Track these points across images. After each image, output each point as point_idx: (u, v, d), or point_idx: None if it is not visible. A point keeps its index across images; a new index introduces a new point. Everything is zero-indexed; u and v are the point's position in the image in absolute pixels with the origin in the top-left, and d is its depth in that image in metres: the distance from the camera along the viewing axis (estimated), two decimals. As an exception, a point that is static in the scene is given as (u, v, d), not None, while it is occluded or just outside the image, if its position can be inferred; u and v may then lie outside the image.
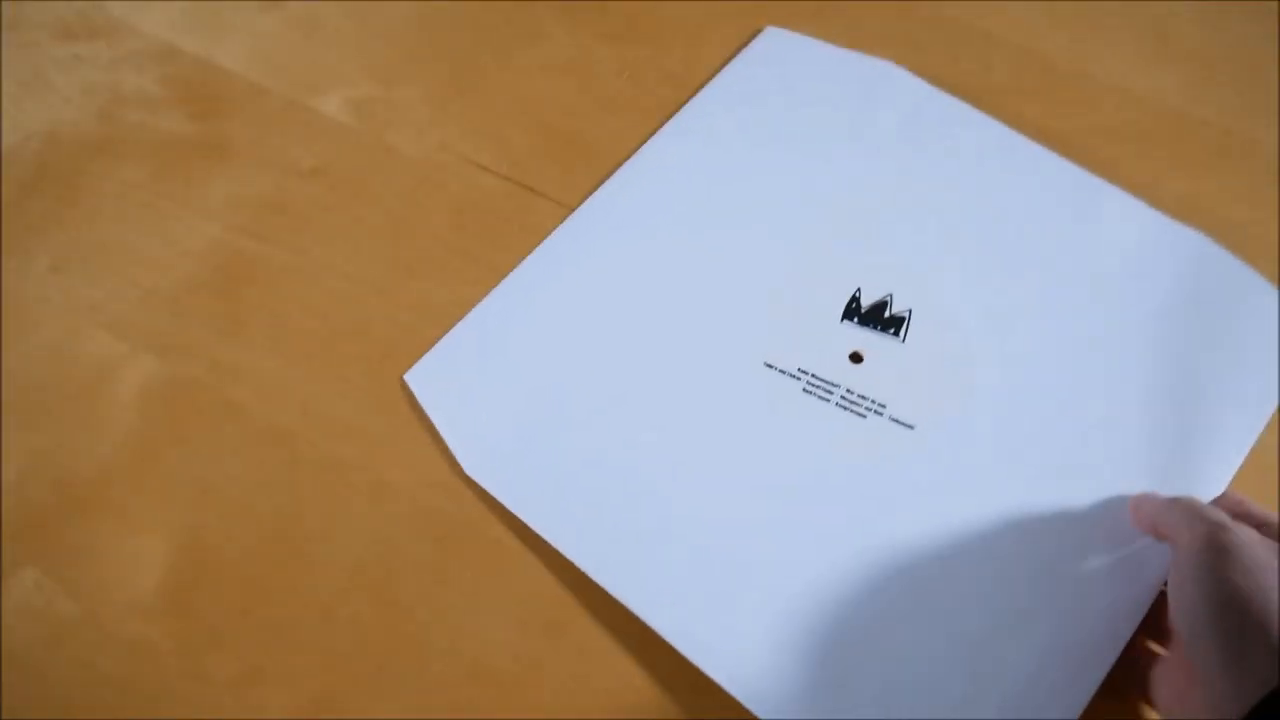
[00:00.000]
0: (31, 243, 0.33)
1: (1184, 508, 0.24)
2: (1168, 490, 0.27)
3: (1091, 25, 0.37)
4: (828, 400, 0.30)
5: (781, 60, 0.36)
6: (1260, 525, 0.24)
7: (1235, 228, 0.33)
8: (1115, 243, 0.31)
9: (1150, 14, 0.37)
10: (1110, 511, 0.27)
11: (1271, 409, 0.29)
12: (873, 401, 0.29)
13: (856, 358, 0.30)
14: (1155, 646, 0.26)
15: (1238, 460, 0.28)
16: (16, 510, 0.29)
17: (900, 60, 0.36)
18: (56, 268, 0.33)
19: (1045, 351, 0.30)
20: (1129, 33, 0.37)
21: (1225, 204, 0.33)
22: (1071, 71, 0.36)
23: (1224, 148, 0.35)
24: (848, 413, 0.29)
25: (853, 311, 0.31)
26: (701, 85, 0.36)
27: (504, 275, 0.32)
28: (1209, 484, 0.28)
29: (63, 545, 0.28)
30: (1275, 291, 0.30)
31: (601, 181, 0.34)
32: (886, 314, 0.31)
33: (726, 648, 0.26)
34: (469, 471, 0.29)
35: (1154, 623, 0.26)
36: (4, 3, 0.39)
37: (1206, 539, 0.23)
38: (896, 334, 0.30)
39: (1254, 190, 0.34)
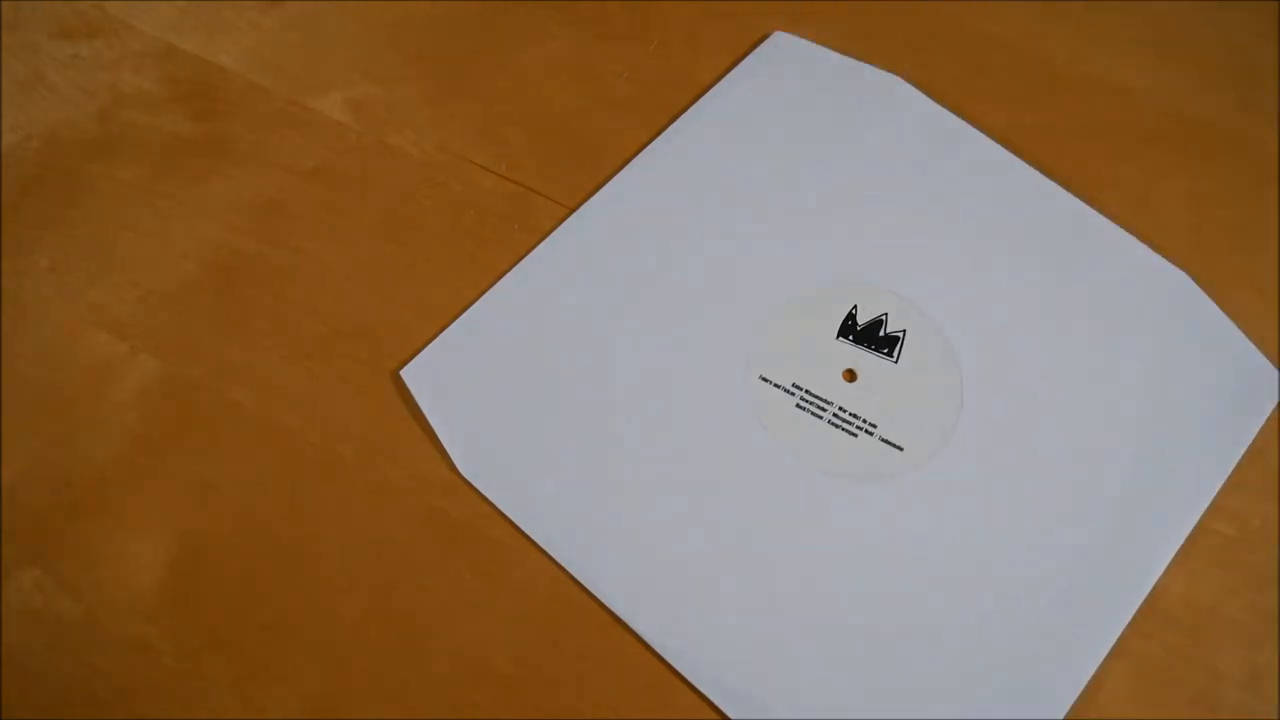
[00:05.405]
0: (31, 243, 0.33)
1: None
2: (1145, 523, 0.28)
3: (1091, 25, 0.37)
4: (820, 417, 0.30)
5: (787, 68, 0.36)
6: None
7: (1235, 228, 0.33)
8: (1107, 279, 0.31)
9: (1150, 14, 0.37)
10: (1091, 539, 0.28)
11: (1239, 451, 0.29)
12: (864, 421, 0.29)
13: (850, 376, 0.30)
14: None
15: (1205, 502, 0.28)
16: (16, 510, 0.29)
17: (900, 60, 0.36)
18: (56, 268, 0.33)
19: (1036, 381, 0.30)
20: (1129, 33, 0.37)
21: (1225, 204, 0.33)
22: (1071, 71, 0.36)
23: (1224, 148, 0.35)
24: (839, 430, 0.29)
25: (848, 329, 0.31)
26: (703, 86, 0.36)
27: (503, 275, 0.32)
28: (1182, 513, 0.28)
29: (63, 545, 0.29)
30: (1249, 343, 0.31)
31: (602, 182, 0.34)
32: (881, 333, 0.31)
33: (707, 652, 0.27)
34: (461, 469, 0.29)
35: None
36: (3, 3, 0.39)
37: None
38: (890, 354, 0.30)
39: (1254, 190, 0.34)
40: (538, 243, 0.33)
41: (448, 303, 0.32)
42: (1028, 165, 0.34)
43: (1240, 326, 0.31)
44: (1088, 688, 0.26)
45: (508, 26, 0.38)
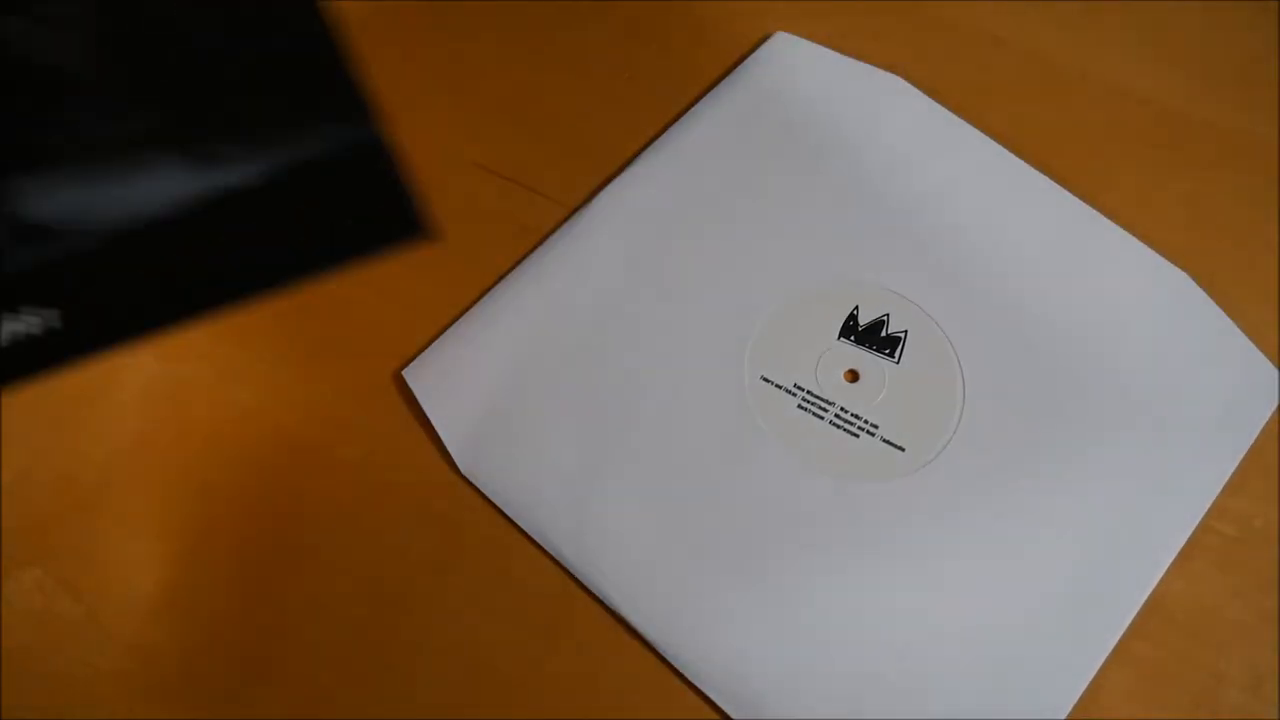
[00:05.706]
0: (32, 243, 0.33)
1: None
2: (1146, 524, 0.28)
3: (1091, 25, 0.37)
4: (821, 418, 0.30)
5: (789, 68, 0.36)
6: None
7: (1235, 229, 0.33)
8: (1107, 279, 0.31)
9: (1150, 14, 0.37)
10: (1093, 540, 0.28)
11: (1240, 452, 0.29)
12: (866, 421, 0.29)
13: (852, 376, 0.30)
14: None
15: (1207, 501, 0.28)
16: (16, 510, 0.29)
17: (902, 60, 0.36)
18: (57, 268, 0.33)
19: (1036, 382, 0.30)
20: (1129, 33, 0.37)
21: (1226, 205, 0.33)
22: (1071, 71, 0.36)
23: (1224, 148, 0.35)
24: (840, 431, 0.29)
25: (850, 329, 0.31)
26: (704, 86, 0.36)
27: (503, 275, 0.32)
28: (1182, 516, 0.28)
29: (63, 545, 0.29)
30: (1249, 343, 0.30)
31: (602, 181, 0.34)
32: (883, 334, 0.31)
33: (707, 652, 0.26)
34: (462, 469, 0.29)
35: None
36: (4, 3, 0.39)
37: None
38: (891, 355, 0.30)
39: (1254, 191, 0.34)
40: (538, 243, 0.33)
41: (448, 301, 0.32)
42: (1028, 165, 0.34)
43: (1240, 326, 0.31)
44: (1089, 689, 0.26)
45: (508, 26, 0.38)
